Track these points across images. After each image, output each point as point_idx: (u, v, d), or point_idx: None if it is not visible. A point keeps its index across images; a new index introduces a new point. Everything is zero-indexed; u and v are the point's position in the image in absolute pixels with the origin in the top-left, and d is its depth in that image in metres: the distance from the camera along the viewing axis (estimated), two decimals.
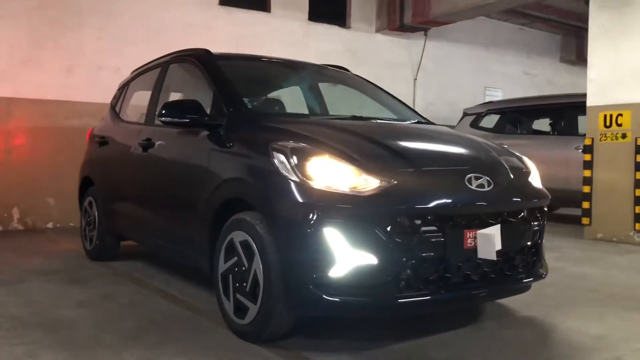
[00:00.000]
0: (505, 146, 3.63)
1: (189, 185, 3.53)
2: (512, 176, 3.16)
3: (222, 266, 3.09)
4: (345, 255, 2.58)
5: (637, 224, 6.22)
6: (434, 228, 2.71)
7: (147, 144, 4.06)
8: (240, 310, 2.94)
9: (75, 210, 5.53)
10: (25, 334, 3.02)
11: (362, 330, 3.13)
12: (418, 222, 2.68)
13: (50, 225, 6.85)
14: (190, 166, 3.55)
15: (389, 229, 2.61)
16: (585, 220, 6.68)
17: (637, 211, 6.21)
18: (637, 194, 6.20)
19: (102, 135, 5.00)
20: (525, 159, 3.52)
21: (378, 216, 2.62)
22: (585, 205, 6.67)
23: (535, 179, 3.35)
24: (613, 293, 4.06)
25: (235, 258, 2.98)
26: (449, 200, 2.77)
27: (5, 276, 4.35)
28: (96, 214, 4.88)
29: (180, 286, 4.08)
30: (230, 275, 3.02)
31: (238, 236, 2.96)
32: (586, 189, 6.67)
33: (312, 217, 2.60)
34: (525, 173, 3.30)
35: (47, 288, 4.00)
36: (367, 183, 2.67)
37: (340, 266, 2.58)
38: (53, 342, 2.90)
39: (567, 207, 8.57)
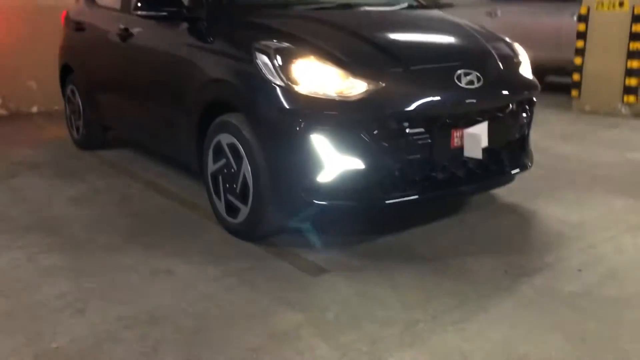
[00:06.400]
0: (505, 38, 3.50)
1: (171, 81, 3.43)
2: (502, 68, 3.09)
3: (212, 166, 3.10)
4: (333, 161, 2.59)
5: (625, 97, 6.22)
6: (421, 130, 2.70)
7: (126, 35, 3.88)
8: (232, 210, 3.01)
9: (58, 93, 5.40)
10: (23, 236, 3.10)
11: (351, 224, 3.22)
12: (405, 125, 2.66)
13: (35, 109, 6.74)
14: (171, 62, 3.40)
15: (375, 132, 2.60)
16: (574, 93, 6.65)
17: (626, 83, 6.18)
18: (628, 66, 6.13)
19: (78, 21, 4.75)
20: (516, 46, 3.42)
21: (365, 121, 2.59)
22: (576, 77, 6.60)
23: (526, 69, 3.29)
24: (595, 175, 4.15)
25: (224, 160, 2.99)
26: (438, 101, 2.74)
27: None
28: (80, 103, 4.79)
29: (172, 178, 4.10)
30: (220, 176, 3.05)
31: (225, 139, 2.94)
32: (578, 60, 6.56)
33: (299, 124, 2.58)
34: (515, 64, 3.23)
35: (38, 183, 4.03)
36: (354, 87, 2.61)
37: (328, 171, 2.61)
38: (51, 245, 2.98)
39: (558, 75, 8.51)
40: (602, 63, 6.32)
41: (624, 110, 6.24)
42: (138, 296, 2.45)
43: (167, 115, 3.57)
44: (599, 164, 4.45)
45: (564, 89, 7.37)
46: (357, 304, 2.38)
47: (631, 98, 6.17)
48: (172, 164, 4.43)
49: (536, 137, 3.42)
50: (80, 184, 4.00)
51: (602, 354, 2.04)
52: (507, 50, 3.29)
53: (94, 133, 4.83)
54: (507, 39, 3.47)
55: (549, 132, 5.47)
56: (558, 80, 8.52)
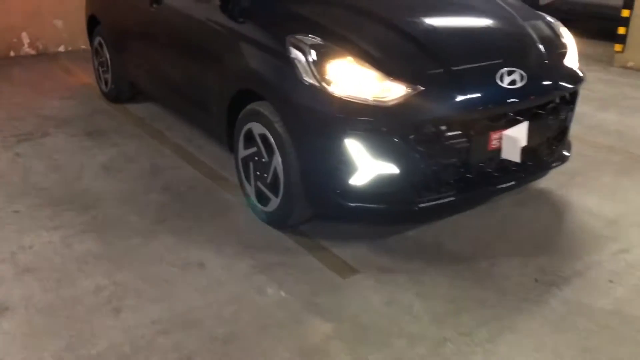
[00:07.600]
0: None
1: (202, 57, 3.34)
2: (546, 61, 2.95)
3: (242, 152, 3.07)
4: (366, 165, 2.54)
5: None
6: (459, 133, 2.61)
7: None
8: (262, 197, 3.00)
9: (84, 33, 5.28)
10: (58, 213, 3.15)
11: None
12: (442, 129, 2.58)
13: (61, 48, 6.66)
14: (203, 36, 3.29)
15: (411, 137, 2.53)
16: (618, 47, 6.35)
17: None
18: None
19: None
20: (562, 30, 3.24)
21: (401, 126, 2.51)
22: (621, 30, 6.28)
23: (572, 58, 3.12)
24: (632, 154, 4.04)
25: (255, 148, 2.95)
26: (478, 105, 2.63)
27: (28, 127, 4.39)
28: (108, 57, 4.71)
29: (200, 143, 4.07)
30: (251, 163, 3.02)
31: (257, 128, 2.89)
32: (625, 12, 6.21)
33: (332, 127, 2.52)
34: (560, 54, 3.06)
35: (70, 148, 4.03)
36: (391, 90, 2.51)
37: (361, 175, 2.56)
38: (85, 226, 3.03)
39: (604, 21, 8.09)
40: None
41: None
42: (171, 294, 2.51)
43: (196, 90, 3.50)
44: (636, 139, 4.31)
45: (608, 36, 7.00)
46: (386, 314, 2.41)
47: None
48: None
49: None
50: (111, 149, 4.01)
51: None
52: (552, 37, 3.12)
53: (122, 88, 4.79)
54: (553, 21, 3.28)
55: (586, 94, 5.24)
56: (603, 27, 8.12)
